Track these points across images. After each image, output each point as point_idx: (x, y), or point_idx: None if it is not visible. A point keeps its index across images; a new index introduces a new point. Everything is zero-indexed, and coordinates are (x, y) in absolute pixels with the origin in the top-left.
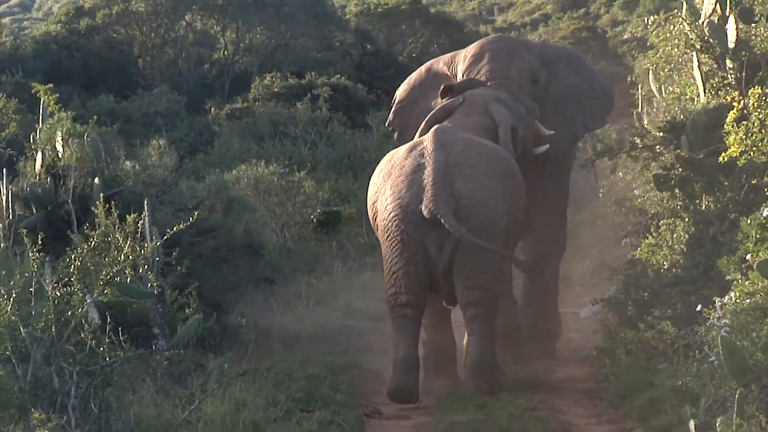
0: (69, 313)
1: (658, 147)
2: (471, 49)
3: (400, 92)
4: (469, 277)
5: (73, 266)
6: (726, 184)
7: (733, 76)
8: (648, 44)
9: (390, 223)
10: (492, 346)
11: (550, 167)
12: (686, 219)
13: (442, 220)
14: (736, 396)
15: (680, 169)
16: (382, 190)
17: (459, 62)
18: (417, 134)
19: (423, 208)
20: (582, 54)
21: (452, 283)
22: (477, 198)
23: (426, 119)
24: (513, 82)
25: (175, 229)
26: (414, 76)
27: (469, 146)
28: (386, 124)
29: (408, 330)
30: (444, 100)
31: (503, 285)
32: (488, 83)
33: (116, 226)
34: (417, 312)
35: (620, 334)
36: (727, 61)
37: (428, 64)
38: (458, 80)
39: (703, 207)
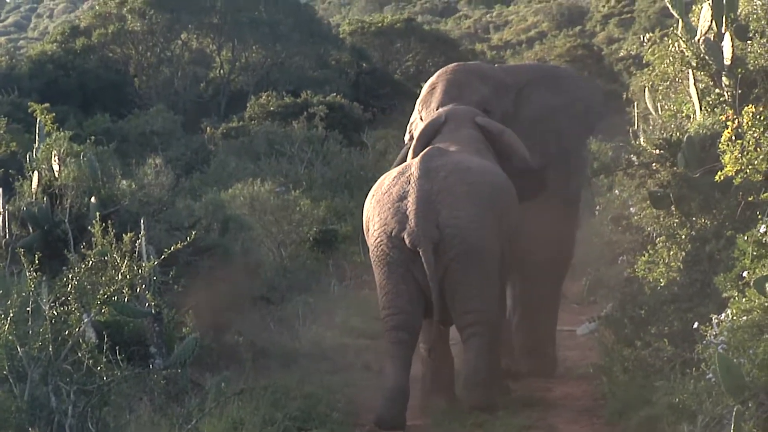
0: (66, 332)
1: (654, 164)
2: (431, 80)
3: (414, 118)
4: (463, 302)
5: (70, 285)
6: (722, 201)
7: (729, 93)
8: (644, 62)
9: (377, 249)
10: (489, 362)
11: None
12: (683, 236)
13: (421, 253)
14: (734, 413)
15: (676, 187)
16: (372, 215)
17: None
18: (410, 152)
19: (406, 237)
20: (565, 71)
21: (445, 306)
22: (459, 226)
23: (416, 138)
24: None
25: (172, 248)
26: (421, 96)
27: (454, 171)
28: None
29: (400, 356)
30: (425, 120)
31: (499, 306)
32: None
33: (113, 246)
34: (411, 337)
35: (617, 351)
36: (723, 79)
37: (429, 81)
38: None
39: (700, 224)
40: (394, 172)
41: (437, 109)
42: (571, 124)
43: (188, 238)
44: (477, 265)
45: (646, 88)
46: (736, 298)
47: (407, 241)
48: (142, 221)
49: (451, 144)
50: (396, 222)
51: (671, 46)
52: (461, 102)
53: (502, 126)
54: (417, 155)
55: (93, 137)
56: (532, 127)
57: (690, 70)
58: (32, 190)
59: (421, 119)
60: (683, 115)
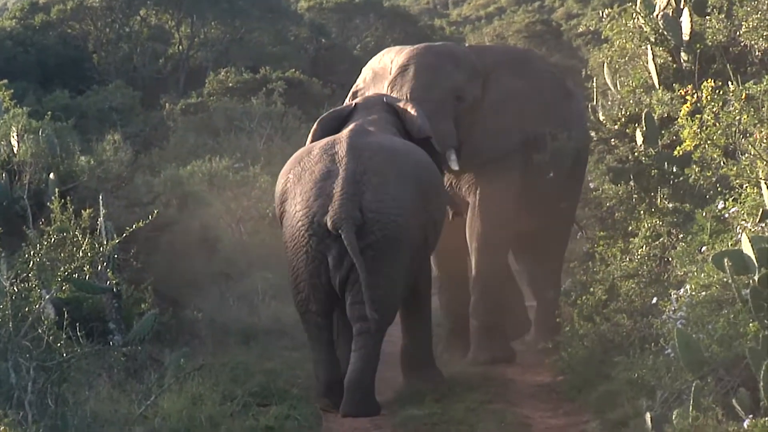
0: (26, 309)
1: (613, 140)
2: (400, 58)
3: (359, 81)
4: (366, 289)
5: (31, 262)
6: (681, 176)
7: (687, 68)
8: (602, 37)
9: (297, 232)
10: (373, 366)
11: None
12: (641, 212)
13: (343, 236)
14: (692, 388)
15: (635, 162)
16: (292, 195)
17: (393, 66)
18: (309, 138)
19: (327, 220)
20: (533, 55)
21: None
22: (381, 211)
23: (314, 127)
24: (431, 103)
25: (135, 227)
26: (370, 64)
27: (379, 151)
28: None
29: (324, 339)
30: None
31: (397, 303)
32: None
33: (72, 222)
34: (328, 321)
35: (576, 327)
36: (682, 54)
37: (381, 53)
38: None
39: (659, 200)
40: (315, 149)
41: (410, 95)
42: (537, 109)
43: (149, 217)
44: (390, 255)
45: (605, 64)
46: (695, 273)
47: (329, 225)
48: (100, 197)
49: (366, 126)
50: (319, 205)
51: (630, 21)
52: (434, 89)
53: (404, 101)
54: (317, 140)
55: (51, 113)
56: (496, 110)
57: (649, 46)
58: None
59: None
60: (642, 90)
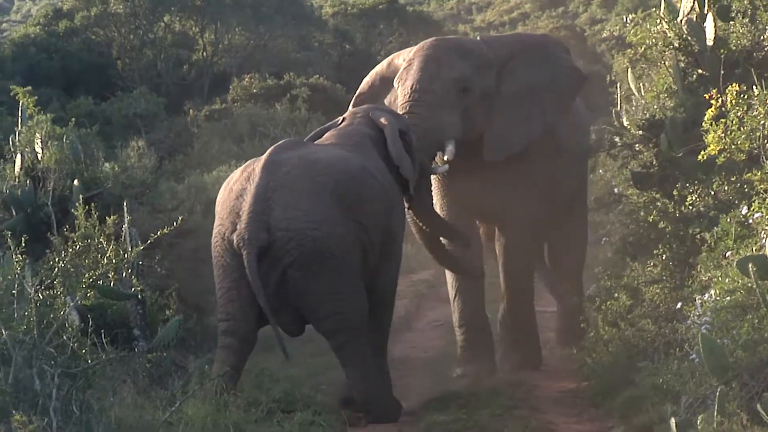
0: (51, 315)
1: (637, 145)
2: (411, 53)
3: (363, 85)
4: (315, 310)
5: (56, 269)
6: (705, 181)
7: (711, 73)
8: (626, 42)
9: (213, 249)
10: (374, 370)
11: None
12: (666, 217)
13: (244, 257)
14: (717, 393)
15: (660, 167)
16: (216, 213)
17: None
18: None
19: (234, 240)
20: (551, 42)
21: (279, 314)
22: (293, 228)
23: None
24: (432, 95)
25: (159, 233)
26: (377, 69)
27: (298, 165)
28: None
29: (227, 361)
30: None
31: (360, 304)
32: (408, 95)
33: (96, 228)
34: (241, 343)
35: (601, 332)
36: (706, 59)
37: (390, 57)
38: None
39: (683, 205)
40: (243, 166)
41: (412, 87)
42: (555, 99)
43: (174, 223)
44: (322, 269)
45: (629, 69)
46: (720, 278)
47: (234, 244)
48: (125, 204)
49: (331, 138)
50: (230, 222)
51: (654, 26)
52: (437, 81)
53: (391, 118)
54: None
55: (76, 120)
56: (514, 102)
57: (673, 51)
58: (15, 173)
59: (395, 98)
60: (666, 96)
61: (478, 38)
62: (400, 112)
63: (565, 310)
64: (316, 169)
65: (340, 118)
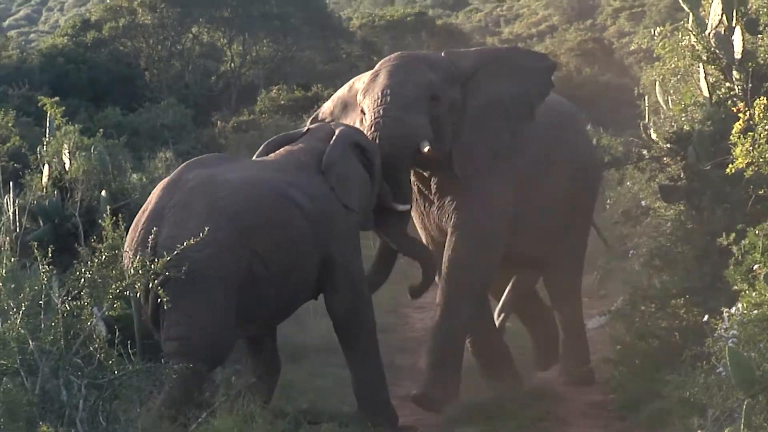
0: (78, 326)
1: (664, 158)
2: (370, 73)
3: (323, 109)
4: (167, 329)
5: (83, 279)
6: (733, 194)
7: (739, 86)
8: (654, 55)
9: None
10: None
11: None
12: (693, 230)
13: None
14: (744, 407)
15: (687, 180)
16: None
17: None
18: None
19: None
20: (516, 53)
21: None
22: (174, 247)
23: (259, 149)
24: (404, 98)
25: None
26: (338, 93)
27: (202, 183)
28: None
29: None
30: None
31: (217, 337)
32: (379, 99)
33: (123, 239)
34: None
35: (627, 345)
36: (734, 72)
37: (351, 81)
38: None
39: (711, 218)
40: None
41: (383, 92)
42: (518, 106)
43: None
44: (192, 291)
45: (657, 82)
46: (747, 291)
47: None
48: None
49: (278, 154)
50: (129, 239)
51: (682, 40)
52: (408, 85)
53: (350, 131)
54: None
55: (103, 131)
56: (480, 115)
57: (700, 64)
58: (42, 183)
59: (363, 111)
60: (693, 109)
61: (442, 54)
62: (371, 118)
63: (565, 335)
64: (218, 191)
65: (305, 128)
